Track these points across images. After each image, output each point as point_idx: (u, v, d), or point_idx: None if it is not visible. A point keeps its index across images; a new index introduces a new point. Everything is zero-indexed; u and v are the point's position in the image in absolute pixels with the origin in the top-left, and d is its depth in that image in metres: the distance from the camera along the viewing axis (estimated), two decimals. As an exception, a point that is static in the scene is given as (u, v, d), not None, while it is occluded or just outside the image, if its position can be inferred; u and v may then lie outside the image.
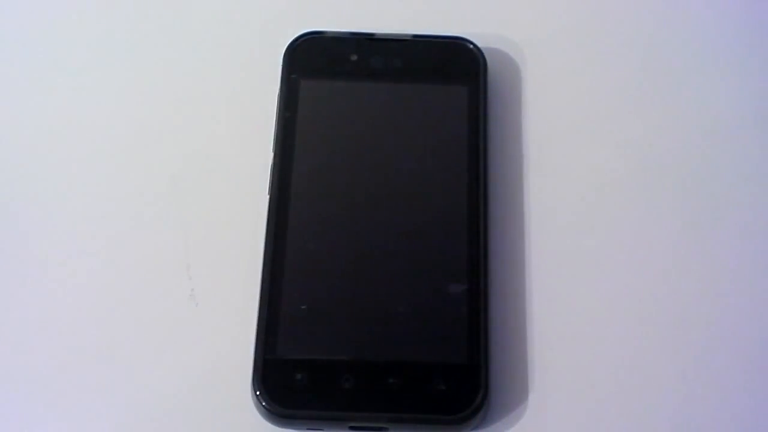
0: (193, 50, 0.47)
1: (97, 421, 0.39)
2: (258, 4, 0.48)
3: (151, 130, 0.45)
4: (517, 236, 0.43)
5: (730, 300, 0.42)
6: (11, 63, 0.46)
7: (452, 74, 0.44)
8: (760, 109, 0.46)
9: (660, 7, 0.48)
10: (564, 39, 0.47)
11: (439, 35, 0.45)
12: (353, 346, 0.39)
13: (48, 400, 0.39)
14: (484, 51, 0.45)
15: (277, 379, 0.38)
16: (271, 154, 0.43)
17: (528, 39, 0.47)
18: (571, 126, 0.45)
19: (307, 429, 0.38)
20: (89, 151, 0.44)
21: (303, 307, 0.40)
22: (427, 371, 0.39)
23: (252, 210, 0.42)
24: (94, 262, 0.42)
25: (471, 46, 0.45)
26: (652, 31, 0.47)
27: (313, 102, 0.44)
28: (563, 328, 0.41)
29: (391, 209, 0.42)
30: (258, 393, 0.38)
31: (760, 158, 0.45)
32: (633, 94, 0.46)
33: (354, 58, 0.45)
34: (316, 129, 0.43)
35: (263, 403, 0.38)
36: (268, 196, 0.42)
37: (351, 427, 0.38)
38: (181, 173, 0.44)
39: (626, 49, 0.47)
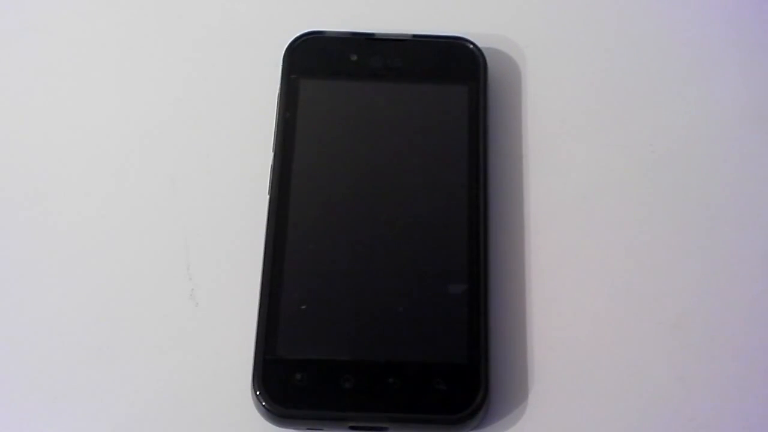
0: (194, 50, 0.47)
1: (97, 421, 0.39)
2: (258, 4, 0.48)
3: (151, 130, 0.45)
4: (517, 236, 0.43)
5: (730, 300, 0.42)
6: (11, 63, 0.46)
7: (452, 74, 0.44)
8: (760, 109, 0.46)
9: (660, 6, 0.48)
10: (564, 39, 0.47)
11: (439, 35, 0.45)
12: (353, 346, 0.39)
13: (48, 400, 0.39)
14: (484, 51, 0.45)
15: (277, 379, 0.38)
16: (271, 154, 0.43)
17: (528, 39, 0.47)
18: (571, 126, 0.45)
19: (307, 429, 0.38)
20: (89, 151, 0.44)
21: (303, 306, 0.40)
22: (427, 371, 0.38)
23: (252, 210, 0.42)
24: (94, 262, 0.42)
25: (471, 46, 0.45)
26: (652, 30, 0.47)
27: (313, 102, 0.44)
28: (563, 328, 0.41)
29: (391, 209, 0.42)
30: (258, 393, 0.38)
31: (760, 158, 0.45)
32: (633, 93, 0.46)
33: (354, 58, 0.45)
34: (316, 129, 0.43)
35: (263, 403, 0.38)
36: (268, 196, 0.42)
37: (351, 427, 0.38)
38: (181, 173, 0.44)
39: (626, 49, 0.47)
